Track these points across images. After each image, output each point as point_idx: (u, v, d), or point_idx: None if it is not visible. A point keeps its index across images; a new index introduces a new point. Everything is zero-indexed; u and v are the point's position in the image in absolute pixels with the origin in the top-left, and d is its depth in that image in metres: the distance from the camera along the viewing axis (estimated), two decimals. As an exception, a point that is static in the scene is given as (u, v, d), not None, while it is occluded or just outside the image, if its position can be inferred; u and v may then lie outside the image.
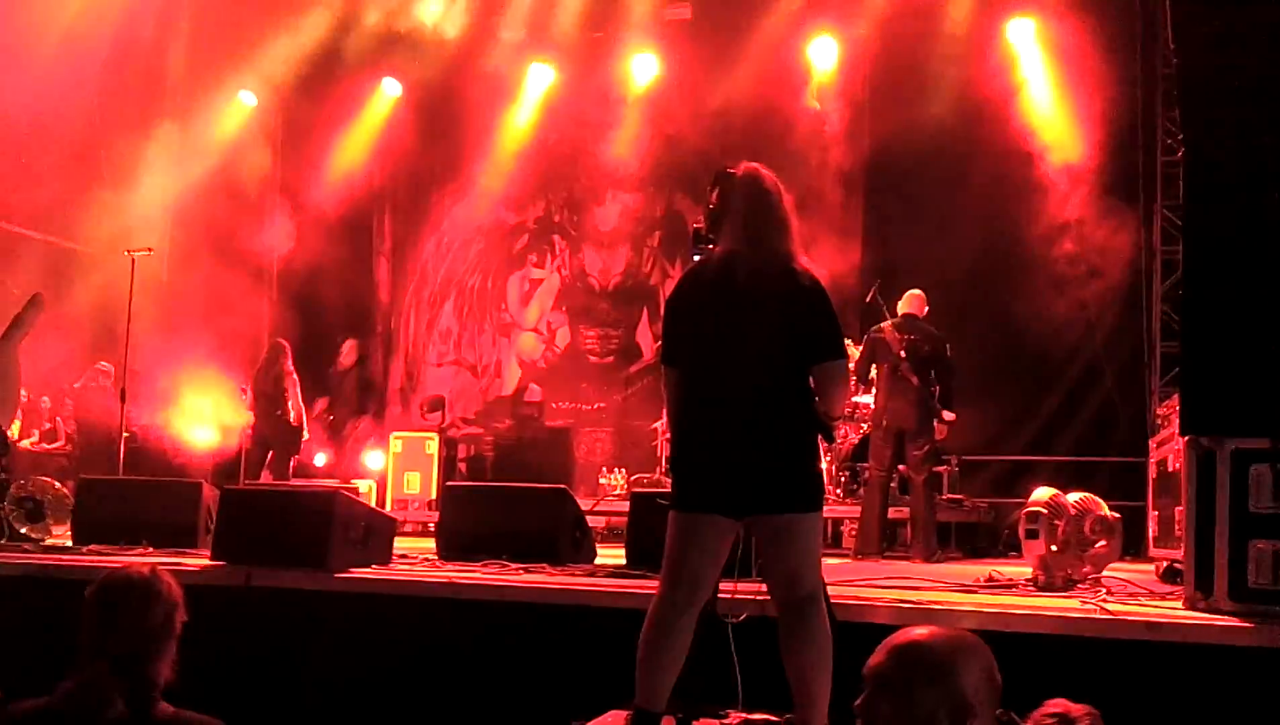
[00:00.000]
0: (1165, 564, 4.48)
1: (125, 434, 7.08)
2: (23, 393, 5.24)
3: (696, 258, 3.05)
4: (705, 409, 2.86)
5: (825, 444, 3.14)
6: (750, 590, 2.96)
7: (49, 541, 4.98)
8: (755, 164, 3.02)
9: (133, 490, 5.39)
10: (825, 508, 2.96)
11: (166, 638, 2.29)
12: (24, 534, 4.91)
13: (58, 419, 7.91)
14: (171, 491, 5.28)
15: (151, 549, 4.62)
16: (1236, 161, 3.60)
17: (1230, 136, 3.65)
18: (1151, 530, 5.09)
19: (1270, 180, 3.42)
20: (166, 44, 9.27)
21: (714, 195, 3.01)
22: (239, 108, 9.69)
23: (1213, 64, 3.73)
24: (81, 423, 7.88)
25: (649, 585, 3.06)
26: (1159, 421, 5.67)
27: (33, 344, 4.74)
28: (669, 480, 2.96)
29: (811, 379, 2.84)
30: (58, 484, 5.45)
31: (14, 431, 5.61)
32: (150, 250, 7.89)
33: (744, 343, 2.81)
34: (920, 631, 1.63)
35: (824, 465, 7.09)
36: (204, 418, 6.72)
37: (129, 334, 7.02)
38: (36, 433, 7.75)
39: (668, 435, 5.92)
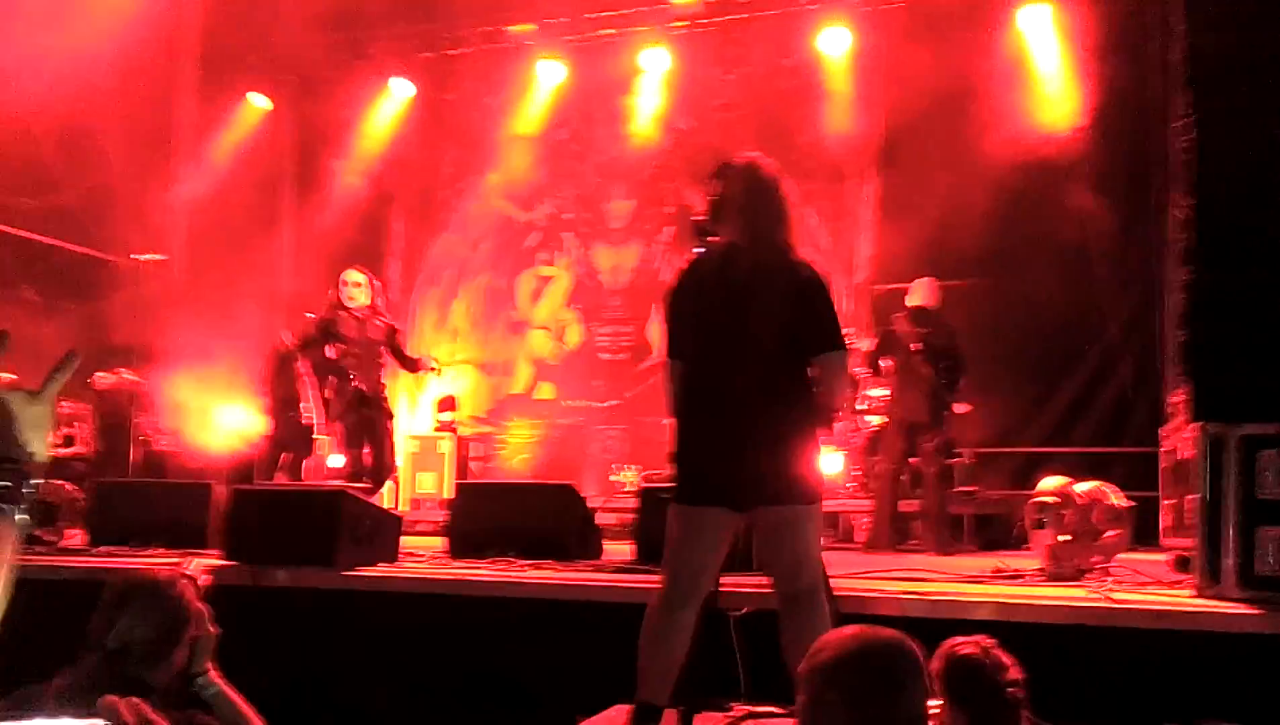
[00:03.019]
0: (1177, 554, 4.41)
1: (142, 439, 7.15)
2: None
3: (697, 250, 3.03)
4: (706, 402, 2.85)
5: (828, 435, 3.12)
6: (751, 584, 2.95)
7: (62, 544, 5.04)
8: (755, 154, 3.01)
9: (145, 493, 5.45)
10: (837, 502, 2.94)
11: (167, 644, 2.27)
12: (37, 537, 4.97)
13: (75, 424, 8.00)
14: (182, 493, 5.34)
15: (163, 550, 4.67)
16: (1246, 143, 3.54)
17: (1240, 117, 3.58)
18: (1164, 520, 5.02)
19: (1280, 162, 3.37)
20: (179, 45, 9.33)
21: (714, 186, 3.00)
22: (251, 110, 9.77)
23: (1223, 42, 3.67)
24: (103, 426, 7.94)
25: (654, 580, 3.05)
26: (1170, 410, 5.59)
27: (54, 353, 4.80)
28: (673, 473, 2.95)
29: (812, 370, 2.82)
30: (69, 487, 5.51)
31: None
32: (164, 256, 7.96)
33: (744, 335, 2.80)
34: (842, 632, 1.63)
35: (840, 460, 7.10)
36: (221, 423, 6.78)
37: (147, 340, 7.10)
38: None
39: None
